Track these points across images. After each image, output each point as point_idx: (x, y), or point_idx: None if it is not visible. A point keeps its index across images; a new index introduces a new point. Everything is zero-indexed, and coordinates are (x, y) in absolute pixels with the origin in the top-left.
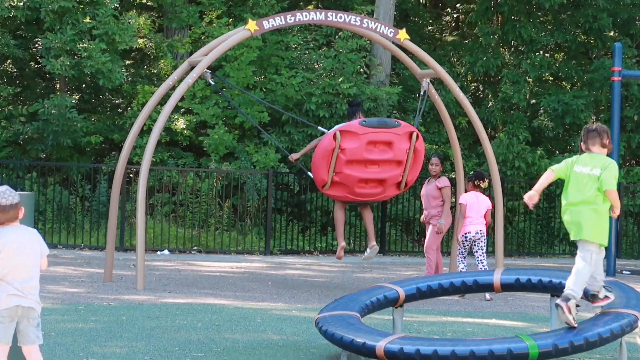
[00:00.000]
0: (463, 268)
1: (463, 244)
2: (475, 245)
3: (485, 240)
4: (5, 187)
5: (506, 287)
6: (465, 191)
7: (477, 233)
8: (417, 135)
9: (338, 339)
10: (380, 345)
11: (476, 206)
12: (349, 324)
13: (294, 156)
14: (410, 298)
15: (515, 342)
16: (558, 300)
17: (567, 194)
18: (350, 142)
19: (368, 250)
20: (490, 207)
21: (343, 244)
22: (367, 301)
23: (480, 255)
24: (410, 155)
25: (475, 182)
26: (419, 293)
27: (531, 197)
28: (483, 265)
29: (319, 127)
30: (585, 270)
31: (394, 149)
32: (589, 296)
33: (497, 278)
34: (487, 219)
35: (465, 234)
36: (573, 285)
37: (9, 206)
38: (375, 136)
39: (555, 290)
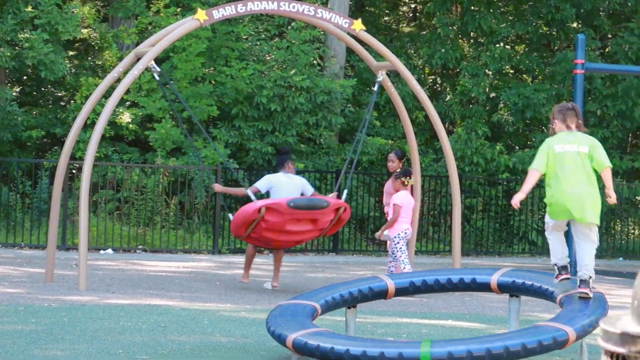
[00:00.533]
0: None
1: (398, 243)
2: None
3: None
4: None
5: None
6: (395, 190)
7: (410, 232)
8: (345, 209)
9: (270, 332)
10: (290, 337)
11: (407, 206)
12: (294, 317)
13: (216, 187)
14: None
15: (410, 347)
16: (581, 289)
17: (561, 176)
18: (274, 217)
19: (269, 285)
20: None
21: (246, 281)
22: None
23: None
24: (332, 222)
25: (405, 181)
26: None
27: (520, 199)
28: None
29: (248, 191)
30: (594, 250)
31: (318, 223)
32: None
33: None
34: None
35: (405, 230)
36: (589, 268)
37: None
38: (301, 215)
39: (513, 290)
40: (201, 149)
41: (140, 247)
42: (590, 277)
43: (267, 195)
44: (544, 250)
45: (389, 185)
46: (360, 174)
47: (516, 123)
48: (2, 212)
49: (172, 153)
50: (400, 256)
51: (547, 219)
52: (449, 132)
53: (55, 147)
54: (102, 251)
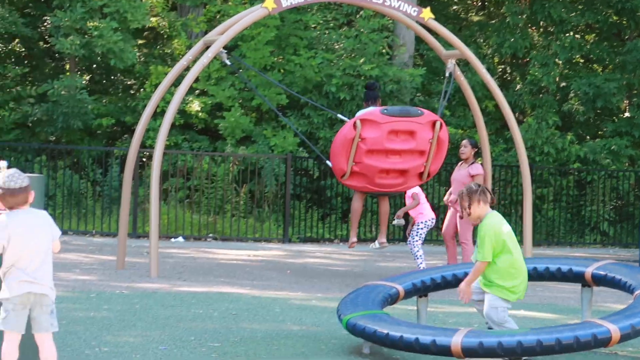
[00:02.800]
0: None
1: (422, 230)
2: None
3: None
4: (14, 170)
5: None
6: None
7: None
8: (441, 125)
9: (397, 339)
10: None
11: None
12: (391, 321)
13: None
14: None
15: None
16: None
17: (517, 256)
18: (371, 131)
19: (377, 243)
20: None
21: (354, 239)
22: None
23: None
24: (433, 144)
25: None
26: (415, 289)
27: (465, 292)
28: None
29: (339, 115)
30: None
31: (416, 138)
32: None
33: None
34: None
35: (432, 219)
36: None
37: (18, 189)
38: (397, 125)
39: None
40: (270, 137)
41: (210, 235)
42: None
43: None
44: (616, 241)
45: (457, 172)
46: None
47: (587, 113)
48: (73, 200)
49: (242, 141)
50: (418, 250)
51: (502, 303)
52: (520, 122)
53: (125, 136)
54: (172, 239)
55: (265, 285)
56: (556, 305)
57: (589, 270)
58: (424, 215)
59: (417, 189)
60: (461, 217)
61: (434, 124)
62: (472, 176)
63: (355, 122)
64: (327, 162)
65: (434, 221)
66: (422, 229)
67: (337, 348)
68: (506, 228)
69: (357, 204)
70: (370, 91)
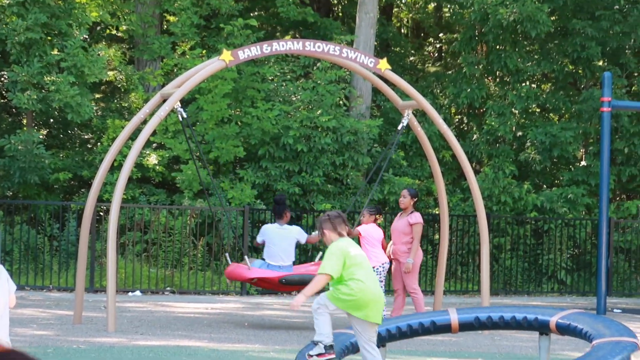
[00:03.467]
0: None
1: (381, 274)
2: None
3: None
4: None
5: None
6: (359, 223)
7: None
8: None
9: None
10: None
11: (378, 238)
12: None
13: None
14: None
15: None
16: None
17: (363, 277)
18: (267, 284)
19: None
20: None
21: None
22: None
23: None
24: None
25: (377, 216)
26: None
27: (297, 302)
28: None
29: (245, 258)
30: None
31: None
32: None
33: (454, 318)
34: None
35: (382, 264)
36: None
37: None
38: (292, 288)
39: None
40: (228, 190)
41: (168, 288)
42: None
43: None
44: (573, 289)
45: (397, 222)
46: (388, 213)
47: (543, 162)
48: (30, 254)
49: (199, 194)
50: None
51: (327, 302)
52: (476, 172)
53: (82, 190)
54: (130, 293)
55: (223, 338)
56: (514, 354)
57: (553, 319)
58: (373, 260)
59: (365, 229)
60: (405, 272)
61: None
62: (411, 225)
63: (253, 278)
64: (227, 255)
65: (386, 266)
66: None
67: None
68: (354, 251)
69: None
70: (277, 205)
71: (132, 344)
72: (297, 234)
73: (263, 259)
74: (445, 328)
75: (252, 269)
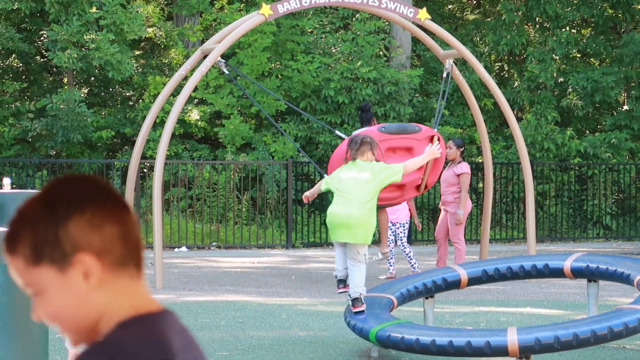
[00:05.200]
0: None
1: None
2: None
3: None
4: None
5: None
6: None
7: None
8: (439, 139)
9: (350, 326)
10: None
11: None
12: (372, 310)
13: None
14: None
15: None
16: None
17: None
18: None
19: (379, 254)
20: None
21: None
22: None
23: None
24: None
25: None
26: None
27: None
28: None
29: (336, 132)
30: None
31: (413, 154)
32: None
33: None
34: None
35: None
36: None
37: None
38: (394, 142)
39: (593, 274)
40: (270, 143)
41: (214, 243)
42: (361, 294)
43: None
44: (619, 234)
45: (445, 173)
46: None
47: (585, 107)
48: None
49: (242, 149)
50: (409, 251)
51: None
52: (519, 119)
53: (125, 147)
54: (176, 249)
55: (271, 292)
56: (562, 302)
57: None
58: (403, 217)
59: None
60: (456, 224)
61: (432, 139)
62: (458, 175)
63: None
64: (325, 175)
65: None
66: (406, 229)
67: (345, 352)
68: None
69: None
70: (363, 113)
71: (180, 300)
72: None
73: None
74: (456, 284)
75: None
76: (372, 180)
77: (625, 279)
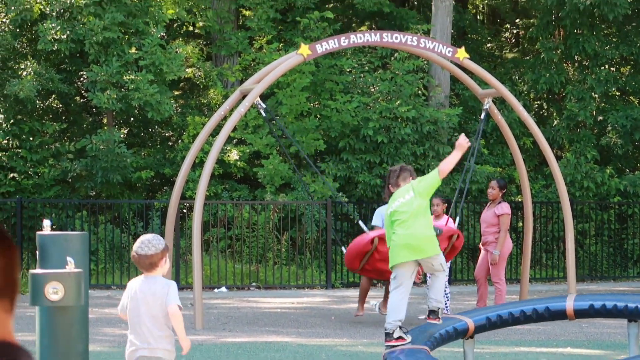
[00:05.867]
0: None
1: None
2: None
3: None
4: (151, 236)
5: (580, 313)
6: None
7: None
8: (458, 236)
9: None
10: None
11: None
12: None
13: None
14: (480, 329)
15: None
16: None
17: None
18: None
19: (377, 307)
20: None
21: (361, 314)
22: (436, 334)
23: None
24: (446, 251)
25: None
26: (488, 323)
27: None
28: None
29: (360, 222)
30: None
31: None
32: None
33: (570, 304)
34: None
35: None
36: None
37: (142, 256)
38: None
39: (632, 315)
40: (309, 183)
41: (253, 284)
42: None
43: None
44: None
45: (485, 213)
46: (471, 202)
47: (625, 145)
48: (115, 254)
49: (281, 189)
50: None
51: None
52: (558, 157)
53: (165, 187)
54: (216, 289)
55: (311, 333)
56: (602, 342)
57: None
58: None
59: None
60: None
61: (451, 237)
62: (498, 216)
63: (372, 239)
64: (343, 248)
65: None
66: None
67: None
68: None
69: (365, 283)
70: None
71: (220, 341)
72: None
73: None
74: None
75: (369, 232)
76: (417, 195)
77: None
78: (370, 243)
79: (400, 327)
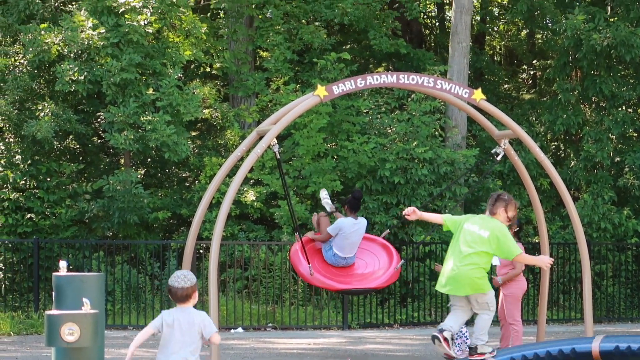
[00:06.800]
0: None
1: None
2: None
3: None
4: (186, 271)
5: (606, 355)
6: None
7: None
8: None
9: None
10: None
11: None
12: None
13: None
14: None
15: None
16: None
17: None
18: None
19: None
20: None
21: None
22: None
23: None
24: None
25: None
26: None
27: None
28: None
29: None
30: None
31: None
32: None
33: (595, 346)
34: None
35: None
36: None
37: (176, 289)
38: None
39: None
40: None
41: (270, 324)
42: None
43: None
44: None
45: None
46: None
47: None
48: (132, 294)
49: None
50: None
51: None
52: (575, 199)
53: (181, 228)
54: (232, 330)
55: None
56: None
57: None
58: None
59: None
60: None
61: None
62: None
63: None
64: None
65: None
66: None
67: None
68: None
69: None
70: (354, 200)
71: None
72: (365, 225)
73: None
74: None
75: (314, 273)
76: (489, 243)
77: None
78: (310, 275)
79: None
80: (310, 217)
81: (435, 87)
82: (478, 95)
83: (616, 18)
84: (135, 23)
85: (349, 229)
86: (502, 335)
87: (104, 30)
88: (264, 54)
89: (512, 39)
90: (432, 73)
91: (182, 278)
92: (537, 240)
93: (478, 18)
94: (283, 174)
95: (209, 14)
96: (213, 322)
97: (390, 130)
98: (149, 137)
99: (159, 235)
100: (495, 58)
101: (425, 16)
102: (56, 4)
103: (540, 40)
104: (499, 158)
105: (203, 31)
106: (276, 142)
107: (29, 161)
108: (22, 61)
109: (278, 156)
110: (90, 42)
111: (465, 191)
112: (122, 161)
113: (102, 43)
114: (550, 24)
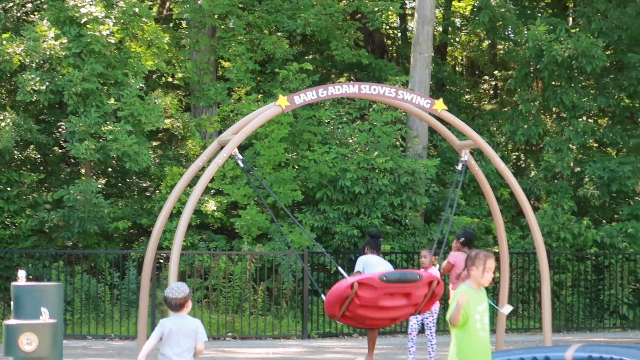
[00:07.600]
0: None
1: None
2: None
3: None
4: (180, 283)
5: None
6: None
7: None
8: (438, 282)
9: None
10: None
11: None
12: None
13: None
14: None
15: None
16: None
17: None
18: (367, 292)
19: None
20: None
21: None
22: None
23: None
24: (426, 297)
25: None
26: None
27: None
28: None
29: (339, 268)
30: None
31: (411, 297)
32: None
33: (569, 355)
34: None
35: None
36: None
37: (172, 299)
38: (394, 289)
39: None
40: (287, 233)
41: (229, 334)
42: None
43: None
44: (636, 324)
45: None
46: (447, 253)
47: (602, 197)
48: (91, 304)
49: (258, 239)
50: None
51: None
52: (535, 208)
53: (142, 238)
54: None
55: None
56: None
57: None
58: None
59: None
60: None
61: (431, 283)
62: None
63: (352, 284)
64: (322, 296)
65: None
66: (435, 319)
67: None
68: None
69: (372, 333)
70: (372, 238)
71: None
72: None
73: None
74: None
75: (348, 277)
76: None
77: None
78: (350, 288)
79: None
80: (270, 226)
81: (396, 97)
82: (439, 105)
83: (577, 29)
84: (97, 33)
85: (375, 261)
86: None
87: (66, 40)
88: (226, 64)
89: (474, 49)
90: (393, 83)
91: (177, 290)
92: (496, 250)
93: (440, 29)
94: (252, 181)
95: (171, 24)
96: (205, 332)
97: (351, 140)
98: (110, 147)
99: (119, 245)
100: (457, 68)
101: (387, 27)
102: (18, 14)
103: (501, 51)
104: (460, 167)
105: (165, 41)
106: (237, 151)
107: None
108: None
109: (242, 165)
110: (52, 52)
111: (425, 201)
112: (82, 171)
113: (64, 53)
114: (511, 35)
